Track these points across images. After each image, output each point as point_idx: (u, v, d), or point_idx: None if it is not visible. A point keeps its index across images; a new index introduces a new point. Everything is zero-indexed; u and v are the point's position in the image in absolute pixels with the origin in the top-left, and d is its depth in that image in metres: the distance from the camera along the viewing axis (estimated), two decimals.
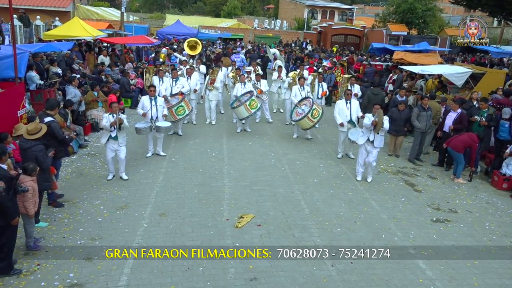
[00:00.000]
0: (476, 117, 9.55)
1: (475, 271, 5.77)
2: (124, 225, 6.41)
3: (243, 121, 11.51)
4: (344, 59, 22.25)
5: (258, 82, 12.20)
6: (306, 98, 10.93)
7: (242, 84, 11.66)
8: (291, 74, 12.75)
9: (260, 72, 14.02)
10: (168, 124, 9.31)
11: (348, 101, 9.75)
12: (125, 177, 8.10)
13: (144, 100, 9.19)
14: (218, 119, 12.69)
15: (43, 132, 6.12)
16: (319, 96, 12.10)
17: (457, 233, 6.85)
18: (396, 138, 10.39)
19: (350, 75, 13.49)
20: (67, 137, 7.27)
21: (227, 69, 13.88)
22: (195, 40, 16.30)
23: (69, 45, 14.49)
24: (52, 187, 6.45)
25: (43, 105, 7.68)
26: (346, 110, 9.68)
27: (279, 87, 13.28)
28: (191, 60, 14.98)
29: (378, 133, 8.31)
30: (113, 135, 7.79)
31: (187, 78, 11.65)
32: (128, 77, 14.22)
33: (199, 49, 16.12)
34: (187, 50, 15.87)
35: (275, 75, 13.37)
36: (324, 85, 12.54)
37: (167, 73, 12.41)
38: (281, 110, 14.08)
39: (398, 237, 6.55)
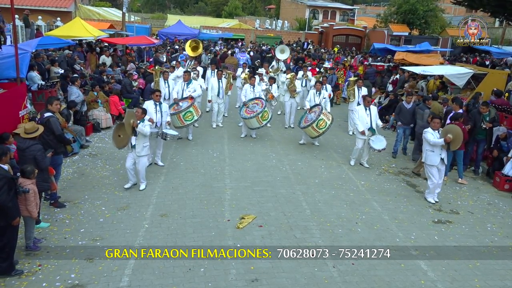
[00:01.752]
0: (483, 125, 9.28)
1: (477, 272, 5.76)
2: (125, 226, 6.41)
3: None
4: (360, 59, 22.17)
5: (270, 86, 11.86)
6: (317, 105, 10.59)
7: (252, 86, 11.41)
8: (288, 76, 12.43)
9: (272, 74, 13.65)
10: (176, 133, 8.91)
11: (368, 108, 9.38)
12: (142, 186, 7.73)
13: (149, 105, 8.64)
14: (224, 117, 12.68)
15: (40, 131, 6.13)
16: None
17: (459, 234, 6.84)
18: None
19: (357, 78, 13.27)
20: (66, 136, 7.26)
21: (236, 70, 13.93)
22: (196, 41, 16.08)
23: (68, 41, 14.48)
24: (51, 188, 6.45)
25: (45, 106, 7.68)
26: (366, 117, 9.31)
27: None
28: (189, 62, 14.80)
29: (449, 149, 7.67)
30: (133, 143, 7.46)
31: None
32: (131, 78, 14.22)
33: (200, 50, 15.89)
34: (188, 52, 15.58)
35: (283, 77, 13.10)
36: (328, 87, 12.21)
37: (171, 74, 12.22)
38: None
39: (400, 238, 6.54)
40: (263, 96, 11.34)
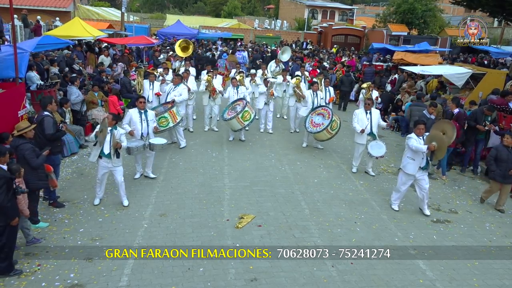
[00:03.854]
0: (485, 127, 9.29)
1: (476, 271, 5.77)
2: (124, 226, 6.42)
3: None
4: (374, 60, 22.15)
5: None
6: (322, 106, 10.21)
7: (234, 88, 11.03)
8: (293, 80, 12.00)
9: (269, 75, 13.28)
10: (163, 141, 8.17)
11: (368, 111, 8.85)
12: (126, 202, 7.07)
13: (133, 114, 7.97)
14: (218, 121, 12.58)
15: (29, 129, 6.09)
16: (327, 102, 11.13)
17: (458, 233, 6.86)
18: (503, 185, 7.81)
19: (369, 83, 13.09)
20: (60, 129, 7.16)
21: (231, 72, 13.86)
22: (187, 41, 15.68)
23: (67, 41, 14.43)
24: (52, 185, 6.41)
25: (40, 106, 7.67)
26: (365, 121, 8.81)
27: (284, 91, 12.81)
28: (180, 63, 14.59)
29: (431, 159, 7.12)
30: (106, 152, 6.74)
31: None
32: (129, 77, 14.19)
33: (190, 50, 15.34)
34: (178, 52, 15.13)
35: (280, 78, 12.77)
36: (331, 89, 11.72)
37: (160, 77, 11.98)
38: (285, 117, 13.63)
39: (399, 238, 6.55)
40: (248, 98, 10.96)
